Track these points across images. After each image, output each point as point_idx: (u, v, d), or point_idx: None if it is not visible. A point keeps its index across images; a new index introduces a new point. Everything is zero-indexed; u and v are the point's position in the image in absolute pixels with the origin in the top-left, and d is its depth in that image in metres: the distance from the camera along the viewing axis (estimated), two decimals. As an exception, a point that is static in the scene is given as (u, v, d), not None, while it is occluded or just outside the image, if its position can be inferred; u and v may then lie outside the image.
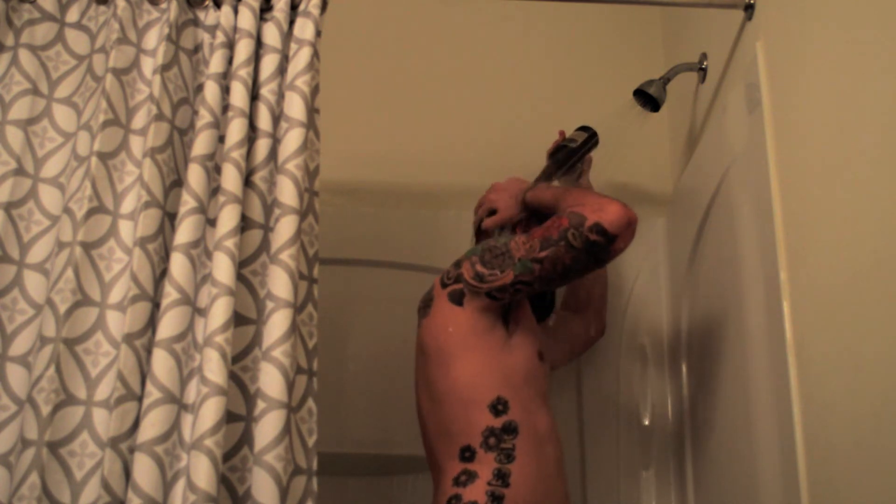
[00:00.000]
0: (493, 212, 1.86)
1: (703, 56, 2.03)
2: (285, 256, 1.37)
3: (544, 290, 1.71)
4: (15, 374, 1.35)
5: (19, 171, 1.48)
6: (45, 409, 1.27)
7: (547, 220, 1.62)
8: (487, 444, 1.58)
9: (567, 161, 1.92)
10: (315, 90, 1.53)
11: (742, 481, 1.66)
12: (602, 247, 1.55)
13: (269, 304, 1.35)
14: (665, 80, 1.99)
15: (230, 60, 1.52)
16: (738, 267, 1.70)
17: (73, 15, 1.61)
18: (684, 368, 2.06)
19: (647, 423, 2.13)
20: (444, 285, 1.68)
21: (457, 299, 1.66)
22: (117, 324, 1.35)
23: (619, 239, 1.54)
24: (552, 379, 1.81)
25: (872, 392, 1.22)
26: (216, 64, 1.50)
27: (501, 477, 1.55)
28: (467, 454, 1.59)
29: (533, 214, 1.81)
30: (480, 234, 1.89)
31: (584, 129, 1.96)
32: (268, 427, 1.27)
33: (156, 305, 1.36)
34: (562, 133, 1.97)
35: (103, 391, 1.31)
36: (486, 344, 1.64)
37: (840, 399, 1.30)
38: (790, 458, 1.42)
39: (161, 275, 1.38)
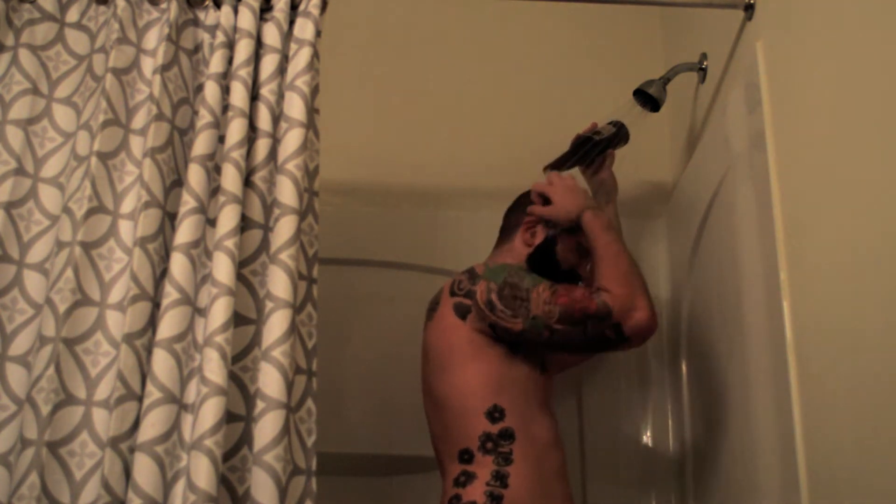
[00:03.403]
0: (547, 202, 1.77)
1: (703, 56, 2.03)
2: (285, 256, 1.37)
3: (542, 352, 1.68)
4: (15, 374, 1.35)
5: (19, 171, 1.48)
6: (45, 409, 1.27)
7: (577, 291, 1.59)
8: (485, 448, 1.58)
9: (583, 151, 1.89)
10: (315, 90, 1.53)
11: (742, 481, 1.66)
12: (610, 343, 1.58)
13: (269, 304, 1.35)
14: (665, 80, 1.99)
15: (230, 60, 1.52)
16: (738, 267, 1.70)
17: (73, 15, 1.61)
18: (684, 368, 2.06)
19: (646, 423, 2.13)
20: (452, 293, 1.67)
21: (461, 313, 1.65)
22: (117, 324, 1.35)
23: (628, 343, 1.58)
24: (554, 382, 1.81)
25: (872, 392, 1.22)
26: (216, 64, 1.50)
27: (500, 478, 1.55)
28: (466, 456, 1.60)
29: (574, 230, 1.74)
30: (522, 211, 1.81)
31: (614, 123, 1.93)
32: (267, 427, 1.27)
33: (156, 305, 1.36)
34: (594, 124, 1.92)
35: (103, 391, 1.31)
36: (485, 355, 1.64)
37: (840, 399, 1.30)
38: (790, 458, 1.42)
39: (161, 275, 1.38)
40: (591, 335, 1.56)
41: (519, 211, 1.83)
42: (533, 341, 1.61)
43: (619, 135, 1.92)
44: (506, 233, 1.85)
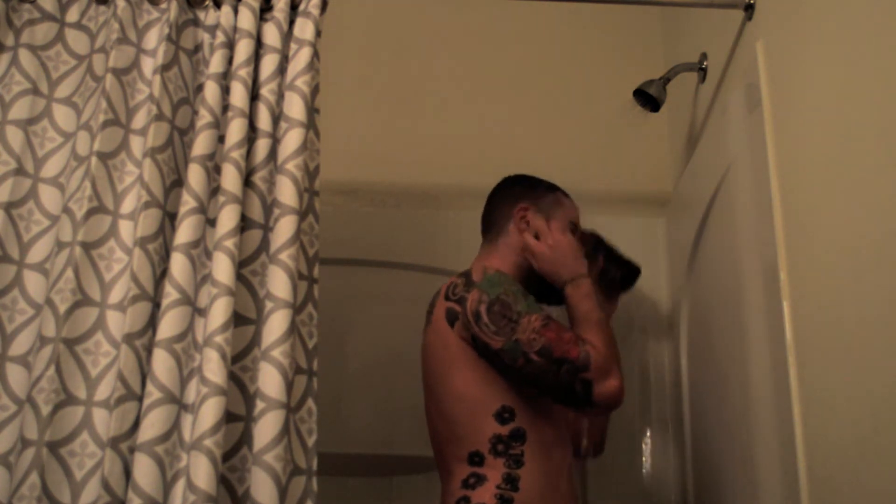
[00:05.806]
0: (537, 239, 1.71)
1: (703, 56, 2.03)
2: (285, 256, 1.37)
3: (512, 379, 1.59)
4: (15, 374, 1.35)
5: (19, 171, 1.48)
6: (45, 409, 1.27)
7: (568, 333, 1.54)
8: (496, 450, 1.56)
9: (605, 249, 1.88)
10: (315, 90, 1.53)
11: (742, 480, 1.66)
12: (577, 399, 1.52)
13: (269, 304, 1.35)
14: (665, 80, 1.99)
15: (230, 60, 1.52)
16: (738, 267, 1.70)
17: (73, 15, 1.61)
18: (684, 368, 2.06)
19: (646, 422, 2.13)
20: (447, 297, 1.64)
21: (450, 319, 1.61)
22: (117, 324, 1.35)
23: (593, 408, 1.53)
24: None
25: (872, 392, 1.22)
26: (216, 64, 1.50)
27: (511, 481, 1.54)
28: (476, 458, 1.57)
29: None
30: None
31: (615, 258, 1.89)
32: (267, 427, 1.27)
33: (156, 305, 1.36)
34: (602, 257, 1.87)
35: (103, 391, 1.31)
36: (482, 360, 1.59)
37: (840, 399, 1.30)
38: (790, 457, 1.42)
39: (161, 275, 1.38)
40: (562, 381, 1.51)
41: (506, 203, 1.76)
42: (506, 365, 1.56)
43: (630, 273, 1.89)
44: (494, 226, 1.76)
